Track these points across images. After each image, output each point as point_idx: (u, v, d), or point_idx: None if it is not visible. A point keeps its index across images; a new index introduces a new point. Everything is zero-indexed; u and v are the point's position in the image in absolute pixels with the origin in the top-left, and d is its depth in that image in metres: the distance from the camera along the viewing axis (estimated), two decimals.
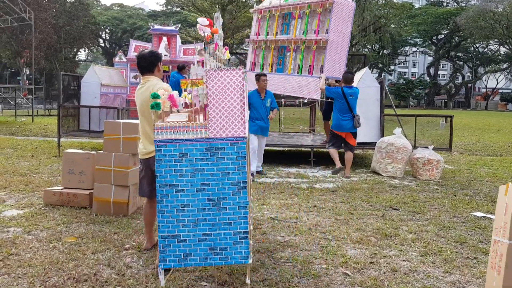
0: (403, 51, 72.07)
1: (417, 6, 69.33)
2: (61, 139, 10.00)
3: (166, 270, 3.28)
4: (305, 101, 9.51)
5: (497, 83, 74.02)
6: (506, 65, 67.81)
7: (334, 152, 8.20)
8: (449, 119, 8.24)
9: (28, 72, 47.41)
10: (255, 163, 7.96)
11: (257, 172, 8.10)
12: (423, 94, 74.20)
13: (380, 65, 62.80)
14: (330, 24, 8.91)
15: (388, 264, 3.89)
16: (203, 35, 3.46)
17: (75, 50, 50.36)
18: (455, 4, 71.63)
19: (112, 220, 5.03)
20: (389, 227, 4.98)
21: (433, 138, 11.33)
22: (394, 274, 3.68)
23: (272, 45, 9.85)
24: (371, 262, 3.92)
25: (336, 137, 8.23)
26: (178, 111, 3.30)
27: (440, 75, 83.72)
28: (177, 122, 2.91)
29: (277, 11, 9.71)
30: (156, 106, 2.93)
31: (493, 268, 2.97)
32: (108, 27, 58.85)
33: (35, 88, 25.11)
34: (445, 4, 72.21)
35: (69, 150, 5.87)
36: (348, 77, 8.19)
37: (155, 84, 3.82)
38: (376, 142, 9.05)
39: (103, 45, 62.63)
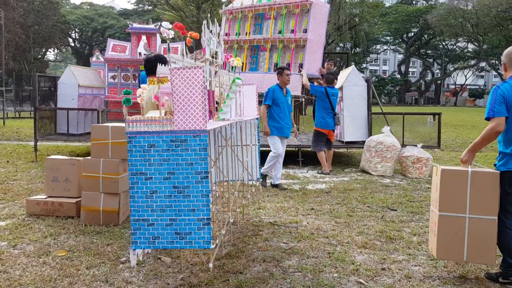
0: (374, 49, 72.97)
1: (387, 4, 70.34)
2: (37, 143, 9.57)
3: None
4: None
5: (466, 80, 75.90)
6: (474, 62, 69.60)
7: (322, 156, 8.32)
8: (437, 116, 8.23)
9: None
10: (280, 171, 7.12)
11: (275, 185, 7.03)
12: (394, 91, 75.36)
13: (352, 63, 63.49)
14: (309, 24, 9.09)
15: (400, 270, 3.75)
16: (166, 36, 3.54)
17: (43, 50, 48.95)
18: (424, 2, 73.06)
19: (103, 230, 4.75)
20: (392, 230, 4.86)
21: (420, 136, 11.37)
22: (409, 281, 3.54)
23: (246, 45, 9.82)
24: (383, 269, 3.78)
25: (321, 135, 8.33)
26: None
27: (411, 73, 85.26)
28: (149, 117, 3.11)
29: (249, 11, 9.70)
30: (126, 102, 3.15)
31: (432, 232, 3.76)
32: (78, 26, 57.43)
33: (4, 90, 24.23)
34: (414, 2, 73.54)
35: (52, 157, 5.54)
36: (329, 78, 8.40)
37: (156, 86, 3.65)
38: (364, 141, 9.00)
39: (73, 44, 61.10)
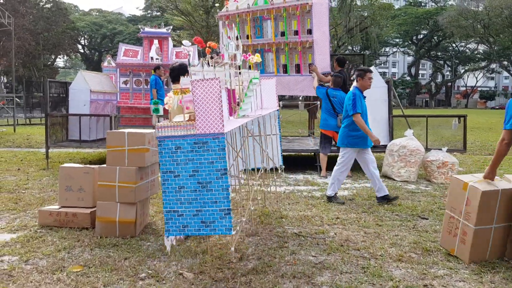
0: (383, 52, 72.47)
1: (396, 6, 69.90)
2: (44, 150, 9.35)
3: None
4: (300, 102, 9.53)
5: (477, 81, 75.10)
6: (484, 63, 68.88)
7: (322, 159, 8.19)
8: (462, 119, 7.90)
9: (5, 80, 46.08)
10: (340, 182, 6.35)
11: (330, 198, 6.25)
12: (405, 94, 74.74)
13: (362, 66, 63.01)
14: (312, 25, 9.07)
15: (444, 287, 3.44)
16: (188, 53, 4.14)
17: (53, 56, 49.15)
18: (433, 4, 72.50)
19: (119, 242, 4.48)
20: (427, 240, 4.55)
21: (444, 139, 11.01)
22: None
23: (250, 49, 9.73)
24: (425, 285, 3.47)
25: (326, 137, 8.20)
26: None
27: (420, 75, 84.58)
28: (175, 122, 3.51)
29: (247, 15, 9.59)
30: (155, 111, 4.01)
31: (451, 234, 4.18)
32: (87, 33, 57.65)
33: (14, 97, 24.19)
34: (423, 4, 73.03)
35: (66, 165, 5.29)
36: (335, 81, 8.11)
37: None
38: (384, 145, 8.67)
39: (82, 51, 61.35)
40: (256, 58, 4.92)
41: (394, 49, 75.31)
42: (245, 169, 5.37)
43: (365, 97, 6.33)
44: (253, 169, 5.42)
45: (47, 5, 42.14)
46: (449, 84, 76.22)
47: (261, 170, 5.47)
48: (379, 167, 8.87)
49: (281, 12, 9.23)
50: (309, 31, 9.14)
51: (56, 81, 11.03)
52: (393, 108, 9.09)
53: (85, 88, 9.69)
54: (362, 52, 24.24)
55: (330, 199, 6.22)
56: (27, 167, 9.30)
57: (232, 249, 3.63)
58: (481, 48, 66.90)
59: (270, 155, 5.74)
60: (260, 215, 5.49)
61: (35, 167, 9.31)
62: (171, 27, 11.84)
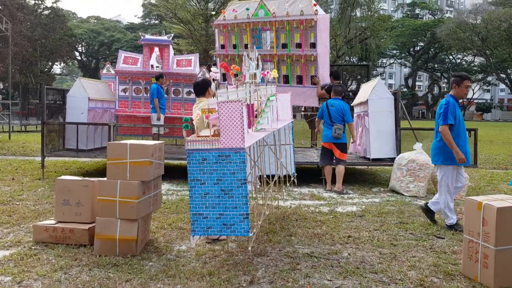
0: (379, 63, 72.61)
1: (392, 19, 70.12)
2: (40, 159, 9.00)
3: None
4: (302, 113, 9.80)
5: (473, 93, 75.35)
6: (481, 76, 69.10)
7: (326, 172, 8.05)
8: (472, 132, 7.67)
9: (1, 86, 45.70)
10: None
11: (451, 226, 5.48)
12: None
13: (358, 77, 63.07)
14: (316, 39, 9.31)
15: None
16: (215, 78, 4.79)
17: (50, 63, 48.83)
18: (430, 16, 72.87)
19: (120, 262, 4.19)
20: (447, 263, 4.28)
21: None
22: None
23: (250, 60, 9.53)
24: None
25: (324, 150, 8.06)
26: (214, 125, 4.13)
27: (417, 86, 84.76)
28: (202, 136, 3.98)
29: (247, 25, 9.62)
30: (186, 127, 4.01)
31: (472, 259, 3.95)
32: (85, 40, 57.46)
33: (7, 103, 23.86)
34: (421, 16, 73.40)
35: (63, 177, 5.01)
36: (338, 90, 8.03)
37: (204, 104, 4.77)
38: (390, 158, 8.45)
39: (79, 58, 61.10)
40: (274, 74, 5.24)
41: (391, 61, 75.45)
42: (260, 176, 5.53)
43: (460, 106, 5.82)
44: (267, 176, 5.75)
45: (45, 12, 41.91)
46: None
47: (276, 177, 5.89)
48: (387, 181, 8.65)
49: (284, 25, 9.30)
50: (312, 45, 9.32)
51: (54, 88, 10.75)
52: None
53: (83, 96, 9.41)
54: (366, 63, 24.09)
55: (453, 227, 5.43)
56: (22, 176, 8.99)
57: (249, 248, 4.17)
58: (477, 60, 67.17)
59: (284, 163, 6.27)
60: (268, 232, 5.21)
61: (30, 176, 9.00)
62: (172, 34, 11.60)
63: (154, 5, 35.62)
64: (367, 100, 8.40)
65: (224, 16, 10.06)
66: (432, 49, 66.74)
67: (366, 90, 8.95)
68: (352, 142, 8.28)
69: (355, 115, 9.85)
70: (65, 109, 9.66)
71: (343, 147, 7.87)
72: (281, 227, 5.43)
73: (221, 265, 4.18)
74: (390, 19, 32.77)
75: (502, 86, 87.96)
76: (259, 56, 5.01)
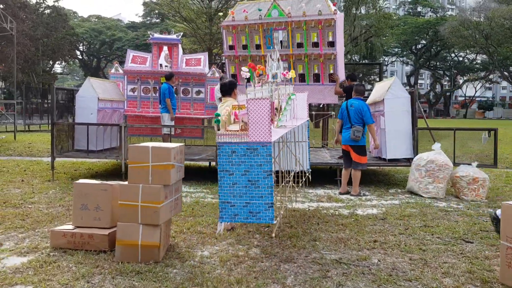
0: (381, 61, 72.30)
1: (395, 17, 69.81)
2: (47, 160, 8.81)
3: None
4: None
5: (476, 92, 75.13)
6: (483, 74, 68.87)
7: (343, 175, 7.79)
8: (492, 132, 7.52)
9: (3, 86, 45.53)
10: None
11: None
12: None
13: (360, 75, 62.83)
14: (335, 37, 9.31)
15: None
16: (245, 77, 4.68)
17: (51, 62, 48.61)
18: (431, 14, 72.55)
19: (143, 269, 4.04)
20: (481, 269, 4.13)
21: (469, 153, 10.61)
22: None
23: (262, 60, 9.70)
24: None
25: (343, 152, 7.85)
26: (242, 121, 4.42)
27: (419, 84, 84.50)
28: (231, 130, 4.22)
29: (259, 26, 9.54)
30: (217, 122, 4.18)
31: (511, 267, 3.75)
32: (86, 39, 57.23)
33: (11, 103, 23.72)
34: (422, 14, 73.11)
35: (81, 181, 4.86)
36: (358, 89, 7.77)
37: (230, 103, 5.12)
38: (407, 159, 8.30)
39: (80, 57, 60.89)
40: (292, 74, 5.36)
41: (393, 59, 75.21)
42: (277, 171, 5.64)
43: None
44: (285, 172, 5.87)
45: (47, 11, 41.70)
46: (448, 94, 76.15)
47: (293, 172, 6.13)
48: (402, 182, 8.50)
49: (301, 25, 9.29)
50: (331, 43, 9.31)
51: (63, 88, 10.59)
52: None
53: (93, 96, 9.25)
54: (378, 62, 23.92)
55: None
56: (31, 178, 8.85)
57: (273, 235, 4.54)
58: (479, 58, 66.93)
59: (300, 159, 6.49)
60: (291, 237, 5.07)
61: (40, 178, 8.86)
62: (181, 33, 11.42)
63: (157, 3, 35.41)
64: (383, 99, 8.24)
65: (233, 16, 9.89)
66: (434, 47, 66.52)
67: (381, 89, 8.79)
68: (374, 148, 7.83)
69: None
70: (74, 109, 9.50)
71: (360, 150, 7.54)
72: (304, 231, 5.28)
73: (247, 272, 4.04)
74: (391, 17, 32.51)
75: (504, 84, 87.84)
76: (279, 56, 5.16)
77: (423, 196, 7.38)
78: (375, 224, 5.70)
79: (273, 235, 4.48)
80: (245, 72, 4.65)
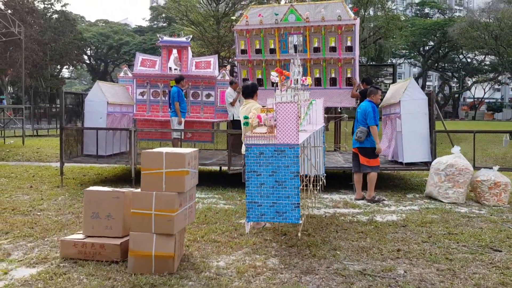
0: (389, 63, 71.81)
1: (402, 18, 69.37)
2: (56, 165, 8.68)
3: None
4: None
5: (485, 93, 74.45)
6: (492, 75, 68.22)
7: (355, 180, 7.54)
8: None
9: (11, 91, 45.72)
10: None
11: None
12: None
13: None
14: (354, 42, 9.43)
15: None
16: (275, 81, 4.85)
17: (59, 67, 48.77)
18: (439, 15, 72.00)
19: (157, 281, 3.84)
20: None
21: (488, 156, 10.32)
22: None
23: (278, 64, 9.79)
24: None
25: (353, 155, 7.66)
26: (264, 124, 4.64)
27: (427, 86, 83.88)
28: (259, 133, 4.40)
29: (276, 31, 9.51)
30: (246, 123, 4.57)
31: None
32: (94, 43, 57.39)
33: (19, 108, 23.69)
34: (430, 16, 72.60)
35: (91, 188, 4.68)
36: (369, 92, 7.49)
37: (252, 105, 5.59)
38: (424, 162, 8.07)
39: (88, 61, 61.06)
40: (308, 80, 5.59)
41: (400, 61, 74.71)
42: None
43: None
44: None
45: (54, 16, 41.85)
46: (456, 95, 75.50)
47: (311, 176, 6.10)
48: (419, 187, 8.25)
49: (320, 30, 9.36)
50: (349, 48, 9.39)
51: (72, 92, 10.47)
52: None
53: (102, 100, 9.10)
54: (392, 63, 23.67)
55: None
56: (40, 184, 8.70)
57: (299, 234, 4.81)
58: (488, 59, 66.31)
59: (316, 164, 6.54)
60: (309, 245, 4.85)
61: (48, 184, 8.71)
62: (191, 36, 11.27)
63: (165, 7, 35.37)
64: (400, 101, 8.02)
65: (246, 20, 9.81)
66: (442, 49, 65.99)
67: (397, 91, 8.56)
68: (376, 152, 7.21)
69: (383, 117, 9.48)
70: (83, 113, 9.36)
71: (366, 152, 7.23)
72: (323, 240, 5.06)
73: (267, 284, 3.83)
74: (399, 19, 32.26)
75: None
76: (300, 62, 5.37)
77: (443, 202, 7.14)
78: (396, 231, 5.47)
79: (299, 234, 4.72)
80: (274, 76, 4.76)
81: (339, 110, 11.70)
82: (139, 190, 4.25)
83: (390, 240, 5.11)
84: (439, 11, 73.88)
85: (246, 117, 4.54)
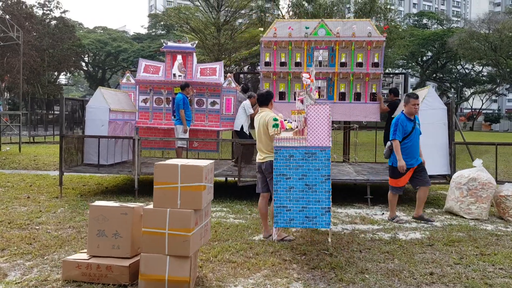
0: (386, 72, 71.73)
1: (401, 29, 69.44)
2: (54, 173, 8.29)
3: None
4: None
5: (483, 104, 74.50)
6: (490, 86, 68.33)
7: (389, 199, 6.72)
8: None
9: (8, 97, 45.18)
10: None
11: None
12: None
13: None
14: (381, 59, 9.62)
15: None
16: (306, 83, 4.94)
17: (56, 73, 48.31)
18: (436, 26, 72.13)
19: None
20: None
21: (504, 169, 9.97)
22: None
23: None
24: None
25: None
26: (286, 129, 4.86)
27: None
28: (288, 135, 4.52)
29: (305, 44, 9.65)
30: (275, 125, 4.59)
31: None
32: (92, 50, 57.03)
33: (16, 114, 23.22)
34: (428, 27, 72.73)
35: (97, 203, 4.27)
36: (405, 100, 6.86)
37: (267, 113, 5.27)
38: (442, 175, 7.70)
39: (85, 68, 60.66)
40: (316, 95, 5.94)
41: (398, 70, 74.74)
42: None
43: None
44: None
45: (53, 22, 41.49)
46: (455, 106, 75.52)
47: None
48: (436, 201, 7.86)
49: (349, 45, 9.52)
50: (375, 64, 9.54)
51: (72, 98, 10.06)
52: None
53: (104, 107, 8.70)
54: (403, 72, 23.44)
55: None
56: (38, 194, 8.27)
57: (329, 240, 4.71)
58: (485, 70, 66.43)
59: None
60: (334, 267, 4.45)
61: (47, 194, 8.28)
62: (196, 42, 10.90)
63: (165, 14, 35.16)
64: None
65: (275, 32, 9.81)
66: (440, 59, 66.04)
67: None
68: (398, 168, 6.40)
69: None
70: (84, 121, 8.96)
71: (390, 170, 6.64)
72: (347, 261, 4.66)
73: None
74: (398, 28, 32.17)
75: (510, 96, 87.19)
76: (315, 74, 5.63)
77: (465, 217, 6.76)
78: (424, 251, 5.08)
79: (329, 239, 4.69)
80: (306, 78, 4.76)
81: (364, 124, 11.63)
82: (150, 206, 3.85)
83: (419, 261, 4.71)
84: (437, 21, 74.14)
85: (275, 119, 4.50)
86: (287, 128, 5.09)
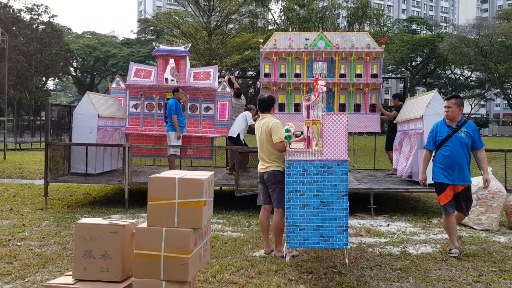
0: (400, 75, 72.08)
1: (390, 34, 69.73)
2: (40, 183, 7.80)
3: None
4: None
5: (472, 109, 74.97)
6: (479, 91, 68.80)
7: (446, 225, 5.41)
8: None
9: None
10: None
11: None
12: None
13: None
14: (380, 70, 9.68)
15: None
16: (321, 91, 4.53)
17: (44, 79, 47.54)
18: (425, 32, 72.52)
19: None
20: None
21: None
22: None
23: (305, 88, 9.80)
24: None
25: None
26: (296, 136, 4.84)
27: None
28: (301, 148, 4.27)
29: (305, 54, 9.65)
30: (288, 137, 4.45)
31: None
32: (80, 55, 56.33)
33: (1, 120, 22.60)
34: (418, 32, 73.09)
35: (84, 221, 3.83)
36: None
37: (270, 120, 5.00)
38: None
39: (74, 73, 59.88)
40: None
41: (387, 75, 74.97)
42: None
43: None
44: None
45: (41, 27, 40.80)
46: None
47: None
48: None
49: (348, 56, 9.56)
50: (374, 75, 9.60)
51: (59, 104, 9.61)
52: None
53: (93, 113, 8.26)
54: (403, 76, 23.23)
55: None
56: (21, 205, 7.79)
57: (346, 260, 4.31)
58: (474, 75, 66.90)
59: None
60: (345, 286, 4.07)
61: (31, 205, 7.81)
62: (189, 45, 10.50)
63: (156, 18, 34.74)
64: (422, 116, 7.35)
65: (275, 43, 9.72)
66: (430, 64, 66.35)
67: (418, 105, 7.89)
68: (420, 183, 5.73)
69: (398, 133, 8.82)
70: (71, 127, 8.51)
71: (434, 186, 5.61)
72: (358, 280, 4.28)
73: None
74: (387, 34, 32.08)
75: (498, 101, 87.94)
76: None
77: (475, 228, 6.43)
78: (439, 268, 4.72)
79: (346, 260, 4.30)
80: (321, 85, 4.42)
81: (364, 135, 11.48)
82: (144, 224, 3.44)
83: (436, 279, 4.35)
84: (427, 27, 74.58)
85: (288, 130, 4.24)
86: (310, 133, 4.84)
